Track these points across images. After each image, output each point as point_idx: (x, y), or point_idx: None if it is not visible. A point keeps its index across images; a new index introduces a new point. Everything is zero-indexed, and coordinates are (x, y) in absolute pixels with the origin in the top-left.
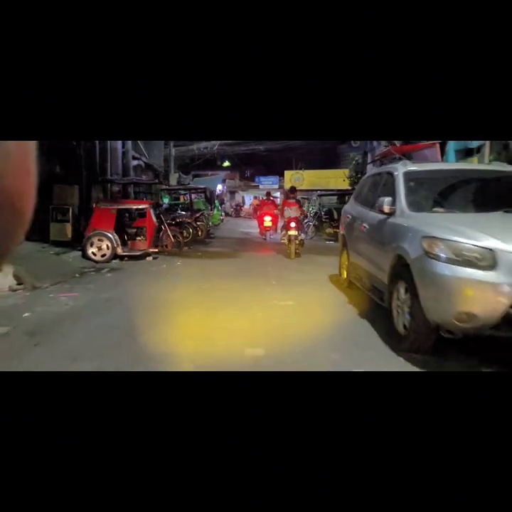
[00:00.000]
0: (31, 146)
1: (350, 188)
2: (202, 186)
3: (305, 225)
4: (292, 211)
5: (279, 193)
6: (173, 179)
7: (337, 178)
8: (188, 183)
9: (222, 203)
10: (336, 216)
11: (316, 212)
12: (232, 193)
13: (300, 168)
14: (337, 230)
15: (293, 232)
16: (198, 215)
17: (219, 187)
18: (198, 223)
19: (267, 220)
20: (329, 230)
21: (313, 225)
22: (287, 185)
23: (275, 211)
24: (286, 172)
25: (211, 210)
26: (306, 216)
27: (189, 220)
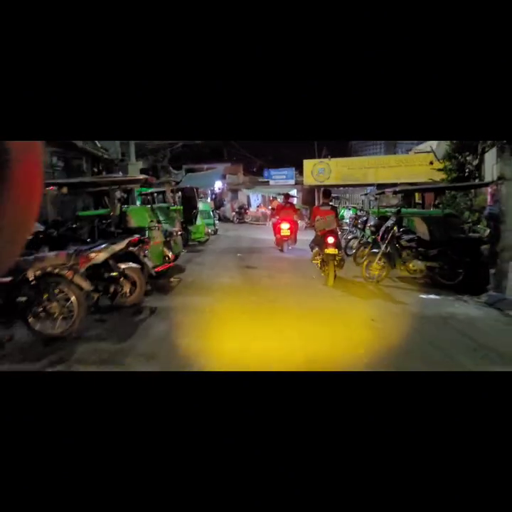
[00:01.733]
0: (40, 147)
1: (446, 178)
2: (140, 177)
3: (355, 245)
4: (328, 222)
5: (295, 190)
6: (135, 171)
7: (379, 169)
8: (180, 181)
9: (220, 205)
10: (426, 233)
11: (388, 228)
12: (234, 191)
13: (325, 156)
14: (434, 265)
15: (332, 251)
16: (124, 244)
17: (218, 184)
18: (127, 268)
19: (285, 228)
20: (416, 264)
21: (385, 255)
22: (308, 180)
23: (294, 216)
24: (306, 162)
25: (185, 223)
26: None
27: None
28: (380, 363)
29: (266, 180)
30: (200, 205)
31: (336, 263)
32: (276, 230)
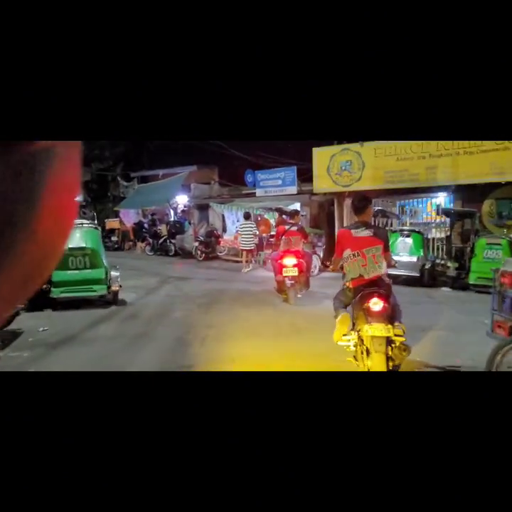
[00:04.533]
0: (77, 154)
1: None
2: None
3: None
4: (368, 261)
5: (299, 204)
6: None
7: (461, 157)
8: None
9: (176, 230)
10: None
11: None
12: (204, 208)
13: (356, 142)
14: None
15: (381, 330)
16: None
17: (182, 199)
18: None
19: (289, 265)
20: None
21: None
22: (321, 183)
23: (302, 244)
24: (317, 151)
25: None
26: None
27: None
28: None
29: (251, 190)
30: (82, 238)
31: (391, 353)
32: (278, 268)
